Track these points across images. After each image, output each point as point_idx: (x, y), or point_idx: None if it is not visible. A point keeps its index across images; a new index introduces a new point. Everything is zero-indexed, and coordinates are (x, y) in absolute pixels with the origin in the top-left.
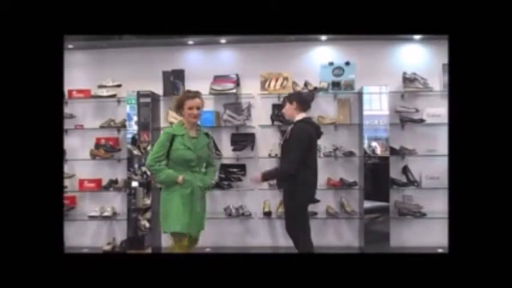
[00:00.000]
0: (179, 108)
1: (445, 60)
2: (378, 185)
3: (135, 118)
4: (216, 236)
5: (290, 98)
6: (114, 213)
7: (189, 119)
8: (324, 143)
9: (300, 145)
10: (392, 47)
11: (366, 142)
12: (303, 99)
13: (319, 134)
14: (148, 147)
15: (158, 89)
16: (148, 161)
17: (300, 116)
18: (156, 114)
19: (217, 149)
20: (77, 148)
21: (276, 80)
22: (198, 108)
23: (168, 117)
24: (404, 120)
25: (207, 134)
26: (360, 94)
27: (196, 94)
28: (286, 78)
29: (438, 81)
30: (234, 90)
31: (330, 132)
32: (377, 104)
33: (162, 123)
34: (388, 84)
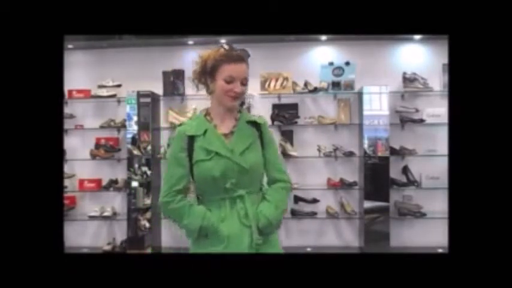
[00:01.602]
0: (206, 76)
1: (445, 60)
2: (378, 185)
3: (135, 118)
4: None
5: None
6: (114, 213)
7: (224, 101)
8: (324, 143)
9: None
10: (392, 47)
11: (366, 142)
12: None
13: None
14: (149, 147)
15: (158, 89)
16: (160, 197)
17: None
18: (156, 114)
19: None
20: (77, 148)
21: (276, 80)
22: (245, 82)
23: (169, 117)
24: (404, 120)
25: (255, 123)
26: (360, 94)
27: (243, 55)
28: (286, 78)
29: (438, 81)
30: None
31: (330, 132)
32: (377, 104)
33: (162, 124)
34: (388, 84)
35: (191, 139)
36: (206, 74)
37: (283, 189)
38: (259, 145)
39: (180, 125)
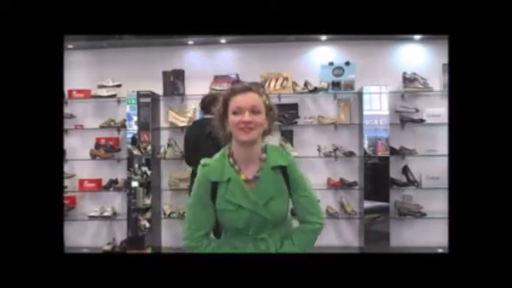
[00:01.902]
0: (223, 117)
1: (445, 60)
2: (378, 185)
3: (135, 118)
4: None
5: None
6: (114, 213)
7: (236, 135)
8: (324, 143)
9: (185, 145)
10: (392, 47)
11: (366, 142)
12: (201, 101)
13: (206, 133)
14: (149, 147)
15: (158, 89)
16: (185, 240)
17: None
18: (156, 114)
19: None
20: (77, 148)
21: (276, 80)
22: (255, 110)
23: (169, 117)
24: (404, 120)
25: (281, 167)
26: (360, 94)
27: (251, 86)
28: (286, 78)
29: (438, 81)
30: None
31: (330, 132)
32: (377, 104)
33: (162, 123)
34: (388, 84)
35: (214, 183)
36: (222, 116)
37: (311, 231)
38: (285, 189)
39: (204, 165)
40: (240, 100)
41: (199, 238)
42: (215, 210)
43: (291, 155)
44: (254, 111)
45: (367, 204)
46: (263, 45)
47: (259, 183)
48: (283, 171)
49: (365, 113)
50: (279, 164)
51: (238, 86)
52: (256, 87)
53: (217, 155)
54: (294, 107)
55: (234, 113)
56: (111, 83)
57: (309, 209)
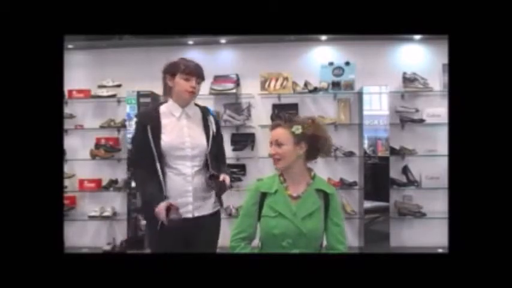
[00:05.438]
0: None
1: (445, 60)
2: (378, 185)
3: (135, 118)
4: None
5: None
6: (114, 213)
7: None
8: None
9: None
10: (392, 47)
11: (366, 142)
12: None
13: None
14: None
15: (158, 89)
16: (230, 241)
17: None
18: None
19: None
20: (77, 148)
21: (276, 80)
22: (279, 143)
23: None
24: (404, 120)
25: (324, 192)
26: (360, 94)
27: (280, 123)
28: (286, 78)
29: (438, 81)
30: (234, 90)
31: (330, 132)
32: (377, 104)
33: None
34: (388, 84)
35: (263, 195)
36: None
37: None
38: (322, 213)
39: (259, 180)
40: (272, 135)
41: (239, 239)
42: (259, 219)
43: (334, 189)
44: (278, 144)
45: (367, 204)
46: (263, 45)
47: (302, 200)
48: (326, 198)
49: (365, 113)
50: (323, 188)
51: (274, 122)
52: (286, 123)
53: (271, 174)
54: (294, 107)
55: (270, 143)
56: (111, 83)
57: (338, 238)
